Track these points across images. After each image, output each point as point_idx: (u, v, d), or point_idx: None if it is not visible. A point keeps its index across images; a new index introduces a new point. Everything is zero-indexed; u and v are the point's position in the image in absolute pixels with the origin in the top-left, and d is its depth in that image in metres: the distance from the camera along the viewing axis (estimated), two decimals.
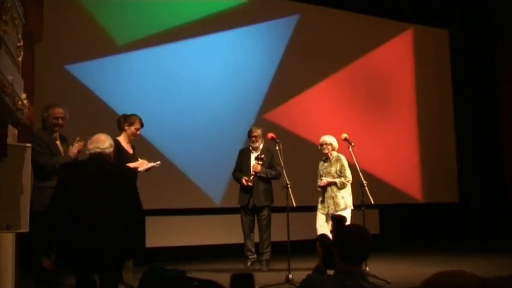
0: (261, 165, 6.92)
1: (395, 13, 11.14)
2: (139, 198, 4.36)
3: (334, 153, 6.92)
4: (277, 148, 6.38)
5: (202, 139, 8.81)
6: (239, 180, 7.07)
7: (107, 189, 4.13)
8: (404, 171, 10.91)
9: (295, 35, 10.01)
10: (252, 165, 7.00)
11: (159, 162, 5.92)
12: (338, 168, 6.81)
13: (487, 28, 11.78)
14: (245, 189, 7.00)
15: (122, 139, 5.85)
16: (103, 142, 4.33)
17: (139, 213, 4.33)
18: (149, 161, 5.85)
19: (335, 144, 6.91)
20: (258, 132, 7.14)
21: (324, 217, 6.79)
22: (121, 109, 6.95)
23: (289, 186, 6.11)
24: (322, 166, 6.97)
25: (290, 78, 9.77)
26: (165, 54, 8.76)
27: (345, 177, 6.77)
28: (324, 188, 6.81)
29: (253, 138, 7.12)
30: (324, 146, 6.89)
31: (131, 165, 5.59)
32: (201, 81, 8.97)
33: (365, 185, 6.34)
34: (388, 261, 7.57)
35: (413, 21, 11.49)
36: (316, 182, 6.95)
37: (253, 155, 7.06)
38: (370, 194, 6.34)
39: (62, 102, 5.78)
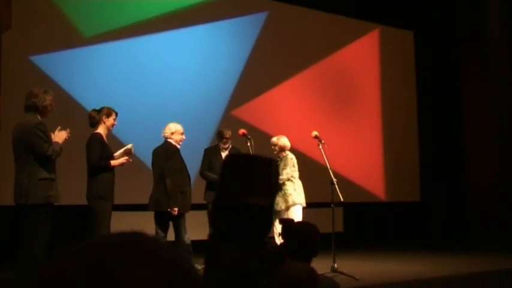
0: None
1: (363, 13, 11.25)
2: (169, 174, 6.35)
3: (284, 154, 6.97)
4: (248, 144, 6.41)
5: None
6: (213, 179, 6.94)
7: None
8: (368, 171, 11.03)
9: (264, 32, 10.00)
10: None
11: (131, 145, 5.86)
12: (281, 167, 6.83)
13: (450, 30, 11.99)
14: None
15: (103, 132, 5.70)
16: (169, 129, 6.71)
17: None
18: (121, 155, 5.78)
19: (282, 144, 6.98)
20: (229, 133, 7.12)
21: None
22: (87, 102, 6.82)
23: None
24: None
25: (258, 75, 9.75)
26: (133, 47, 8.63)
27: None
28: None
29: (225, 140, 7.07)
30: (272, 147, 7.02)
31: (116, 162, 5.56)
32: (169, 77, 8.88)
33: (335, 182, 6.38)
34: (353, 258, 7.65)
35: (380, 21, 11.63)
36: None
37: (224, 154, 7.03)
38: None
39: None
